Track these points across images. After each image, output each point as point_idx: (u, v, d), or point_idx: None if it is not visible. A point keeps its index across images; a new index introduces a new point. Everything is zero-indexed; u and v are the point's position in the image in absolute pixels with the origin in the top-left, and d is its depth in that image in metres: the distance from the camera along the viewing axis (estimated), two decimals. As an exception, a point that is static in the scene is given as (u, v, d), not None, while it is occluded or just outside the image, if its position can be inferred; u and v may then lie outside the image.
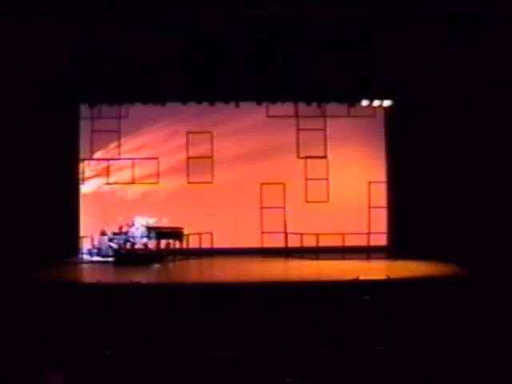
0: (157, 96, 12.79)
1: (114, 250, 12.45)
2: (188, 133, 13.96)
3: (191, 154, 13.98)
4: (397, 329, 6.30)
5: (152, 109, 13.18)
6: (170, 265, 12.18)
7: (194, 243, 12.80)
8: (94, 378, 5.18)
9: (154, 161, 13.93)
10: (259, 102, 13.18)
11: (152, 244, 12.71)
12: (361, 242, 13.10)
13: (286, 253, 13.03)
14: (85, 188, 13.88)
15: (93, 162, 13.99)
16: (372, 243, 13.34)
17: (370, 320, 6.66)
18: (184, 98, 12.99)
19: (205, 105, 13.13)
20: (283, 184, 13.87)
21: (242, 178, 13.86)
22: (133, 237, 12.68)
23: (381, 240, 13.59)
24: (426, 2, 9.90)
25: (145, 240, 12.69)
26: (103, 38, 10.77)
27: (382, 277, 9.10)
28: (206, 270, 11.90)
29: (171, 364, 5.36)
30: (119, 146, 13.95)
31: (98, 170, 14.04)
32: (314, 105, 13.24)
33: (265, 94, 12.86)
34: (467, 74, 10.48)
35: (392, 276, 9.15)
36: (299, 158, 14.01)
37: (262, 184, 13.81)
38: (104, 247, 12.73)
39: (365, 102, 13.24)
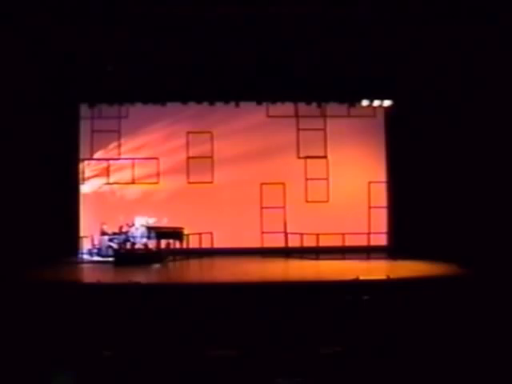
0: (157, 96, 12.81)
1: (114, 250, 12.46)
2: (188, 133, 13.98)
3: (191, 154, 13.99)
4: (397, 329, 6.30)
5: (152, 109, 13.20)
6: (170, 265, 12.18)
7: (194, 243, 12.81)
8: (93, 378, 5.18)
9: (154, 161, 13.95)
10: (259, 102, 13.20)
11: (152, 244, 12.73)
12: (361, 242, 13.11)
13: (286, 253, 13.04)
14: (85, 188, 13.90)
15: (93, 162, 14.01)
16: (372, 243, 13.35)
17: (369, 320, 6.66)
18: (184, 98, 13.01)
19: (205, 105, 13.15)
20: (283, 184, 13.88)
21: (242, 177, 13.88)
22: (133, 237, 12.70)
23: (381, 240, 13.60)
24: (426, 2, 9.89)
25: (145, 240, 12.71)
26: (103, 37, 10.75)
27: (382, 277, 9.10)
28: (206, 270, 11.89)
29: (171, 364, 5.36)
30: (119, 145, 13.98)
31: (98, 170, 14.05)
32: (314, 105, 13.26)
33: (265, 94, 12.88)
34: (467, 73, 10.48)
35: (392, 276, 9.15)
36: (299, 158, 14.02)
37: (262, 184, 13.83)
38: (104, 247, 12.75)
39: (365, 102, 13.26)
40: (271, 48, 11.18)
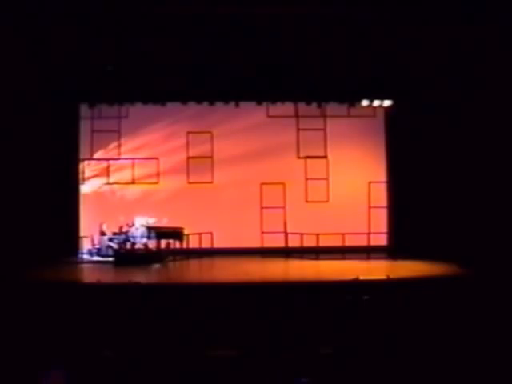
0: (157, 96, 12.80)
1: (114, 250, 12.46)
2: (188, 133, 13.98)
3: (191, 154, 14.00)
4: (397, 329, 6.30)
5: (152, 109, 13.19)
6: (170, 265, 12.18)
7: (194, 243, 12.81)
8: (93, 378, 5.18)
9: (154, 161, 13.95)
10: (259, 102, 13.19)
11: (152, 244, 12.73)
12: (361, 242, 13.12)
13: (286, 253, 13.04)
14: (85, 188, 13.90)
15: (93, 162, 14.02)
16: (372, 243, 13.35)
17: (369, 320, 6.66)
18: (184, 98, 13.00)
19: (205, 105, 13.14)
20: (283, 184, 13.88)
21: (242, 178, 13.88)
22: (133, 237, 12.70)
23: (381, 240, 13.60)
24: (426, 2, 9.89)
25: (145, 240, 12.71)
26: (103, 37, 10.75)
27: (382, 277, 9.10)
28: (205, 270, 11.89)
29: (171, 364, 5.36)
30: (119, 145, 13.98)
31: (98, 170, 14.06)
32: (314, 105, 13.25)
33: (265, 94, 12.87)
34: (467, 73, 10.48)
35: (392, 276, 9.15)
36: (299, 158, 14.02)
37: (262, 184, 13.83)
38: (104, 247, 12.75)
39: (365, 102, 13.25)
40: (271, 48, 11.17)
